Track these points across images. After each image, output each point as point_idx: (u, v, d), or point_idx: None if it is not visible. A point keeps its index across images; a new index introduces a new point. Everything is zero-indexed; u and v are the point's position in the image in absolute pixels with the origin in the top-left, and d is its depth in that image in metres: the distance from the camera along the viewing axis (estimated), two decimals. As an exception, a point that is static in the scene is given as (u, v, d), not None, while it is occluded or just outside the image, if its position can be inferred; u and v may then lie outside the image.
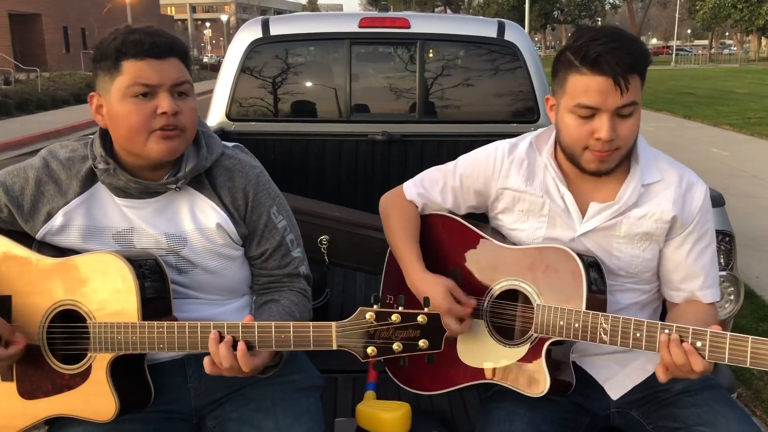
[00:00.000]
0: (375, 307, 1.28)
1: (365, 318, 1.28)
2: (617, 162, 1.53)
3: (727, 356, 1.32)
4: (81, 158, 1.51)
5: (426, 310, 1.27)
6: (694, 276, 1.60)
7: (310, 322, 1.33)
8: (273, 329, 1.35)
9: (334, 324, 1.31)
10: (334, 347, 1.31)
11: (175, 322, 1.39)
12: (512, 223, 1.67)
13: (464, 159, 1.75)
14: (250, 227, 1.56)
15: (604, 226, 1.58)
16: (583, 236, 1.60)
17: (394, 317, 1.26)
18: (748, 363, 1.30)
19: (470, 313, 1.59)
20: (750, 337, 1.29)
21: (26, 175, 1.50)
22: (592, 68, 1.43)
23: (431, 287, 1.60)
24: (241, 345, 1.34)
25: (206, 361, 1.37)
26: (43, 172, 1.50)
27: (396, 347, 1.26)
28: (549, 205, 1.61)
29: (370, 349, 1.28)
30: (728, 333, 1.32)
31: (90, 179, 1.50)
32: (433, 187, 1.75)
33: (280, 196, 1.62)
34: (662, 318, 1.74)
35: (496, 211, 1.71)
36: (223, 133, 3.17)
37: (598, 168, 1.53)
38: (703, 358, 1.34)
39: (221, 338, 1.36)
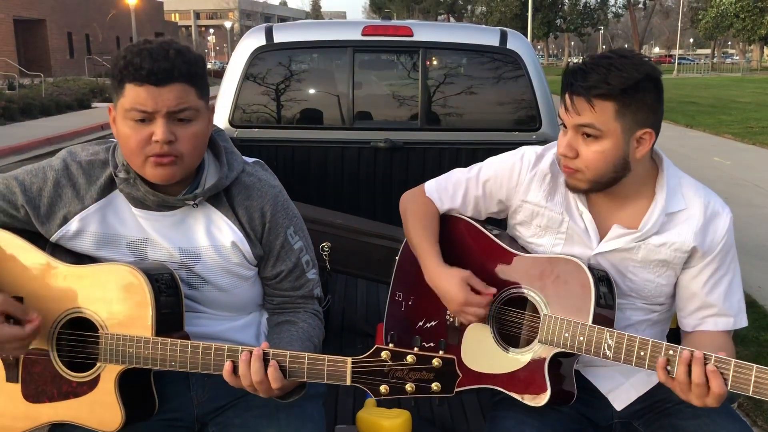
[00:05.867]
0: (391, 345, 1.28)
1: (381, 356, 1.27)
2: (589, 185, 1.52)
3: (730, 383, 1.31)
4: (101, 163, 1.50)
5: (441, 353, 1.26)
6: (707, 306, 1.57)
7: (326, 356, 1.32)
8: (288, 358, 1.33)
9: (349, 359, 1.30)
10: (348, 383, 1.30)
11: (189, 342, 1.39)
12: (529, 237, 1.66)
13: (488, 166, 1.72)
14: (266, 248, 1.55)
15: (621, 248, 1.57)
16: (599, 255, 1.59)
17: (410, 358, 1.26)
18: (751, 392, 1.28)
19: (490, 302, 1.58)
20: (755, 365, 1.28)
21: (45, 176, 1.49)
22: (561, 89, 1.50)
23: (446, 280, 1.59)
24: (273, 362, 1.33)
25: (227, 369, 1.36)
26: (62, 175, 1.48)
27: (409, 388, 1.26)
28: (568, 223, 1.60)
29: (383, 388, 1.27)
30: (732, 360, 1.31)
31: (109, 186, 1.49)
32: (456, 193, 1.74)
33: (298, 216, 1.60)
34: (671, 332, 1.74)
35: (515, 222, 1.71)
36: None
37: (567, 182, 1.55)
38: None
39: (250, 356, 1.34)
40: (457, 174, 1.76)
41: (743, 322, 1.59)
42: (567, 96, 1.47)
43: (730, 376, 1.30)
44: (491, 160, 1.73)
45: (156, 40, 1.41)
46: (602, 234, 1.59)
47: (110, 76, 1.42)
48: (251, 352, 1.35)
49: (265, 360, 1.34)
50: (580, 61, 1.50)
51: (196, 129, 1.42)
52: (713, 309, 1.57)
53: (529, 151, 1.68)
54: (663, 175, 1.56)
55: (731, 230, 1.57)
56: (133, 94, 1.36)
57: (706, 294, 1.57)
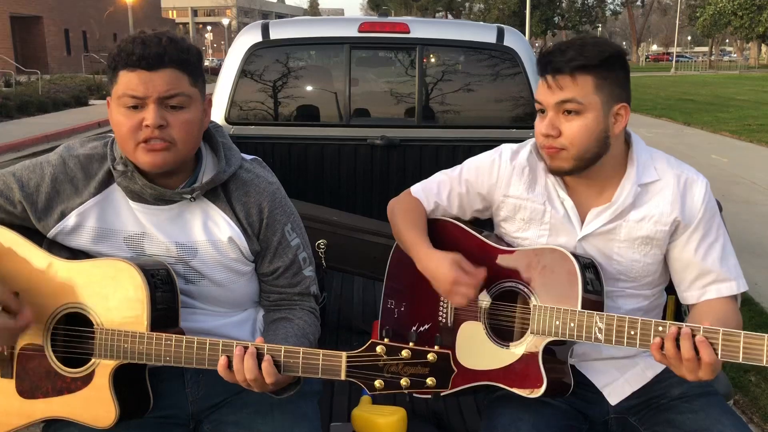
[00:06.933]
0: (386, 340, 1.28)
1: (376, 351, 1.28)
2: (573, 164, 1.54)
3: (720, 352, 1.32)
4: (100, 158, 1.50)
5: (436, 348, 1.26)
6: (705, 273, 1.58)
7: (320, 350, 1.32)
8: (282, 353, 1.34)
9: (344, 354, 1.30)
10: (343, 378, 1.30)
11: (184, 337, 1.39)
12: (514, 232, 1.68)
13: (469, 165, 1.75)
14: (263, 244, 1.55)
15: (603, 230, 1.59)
16: (583, 241, 1.60)
17: (405, 353, 1.26)
18: (741, 358, 1.31)
19: (480, 283, 1.58)
20: (742, 332, 1.31)
21: (43, 171, 1.49)
22: (538, 70, 1.56)
23: (436, 262, 1.60)
24: (267, 357, 1.33)
25: (222, 364, 1.36)
26: (60, 171, 1.49)
27: (404, 383, 1.26)
28: (550, 213, 1.62)
29: (377, 383, 1.27)
30: (720, 328, 1.33)
31: (106, 180, 1.49)
32: (441, 191, 1.76)
33: (295, 214, 1.60)
34: None
35: (499, 219, 1.72)
36: None
37: (550, 165, 1.57)
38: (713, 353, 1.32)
39: (245, 351, 1.34)
40: (440, 175, 1.79)
41: (744, 285, 1.60)
42: (548, 75, 1.51)
43: (719, 344, 1.32)
44: (471, 160, 1.76)
45: (147, 31, 1.43)
46: (583, 221, 1.61)
47: (106, 67, 1.44)
48: (245, 348, 1.35)
49: (260, 355, 1.34)
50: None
51: (189, 116, 1.42)
52: (712, 275, 1.58)
53: (506, 148, 1.71)
54: (632, 150, 1.60)
55: (710, 195, 1.60)
56: (125, 80, 1.38)
57: (700, 260, 1.58)
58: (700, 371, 1.35)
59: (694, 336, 1.34)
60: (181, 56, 1.40)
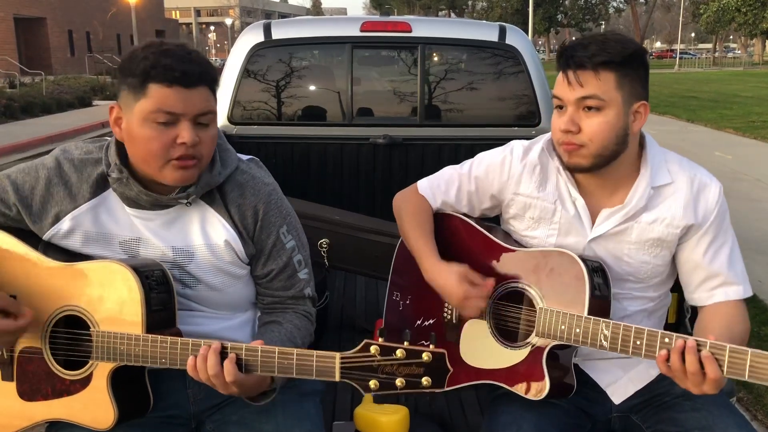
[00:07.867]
0: (380, 340, 1.27)
1: (370, 351, 1.26)
2: (592, 161, 1.52)
3: (725, 369, 1.30)
4: (95, 162, 1.49)
5: (431, 347, 1.25)
6: (713, 276, 1.57)
7: (314, 351, 1.31)
8: (276, 354, 1.33)
9: (337, 355, 1.29)
10: (337, 379, 1.29)
11: (179, 339, 1.38)
12: (523, 230, 1.67)
13: (479, 161, 1.73)
14: (257, 246, 1.54)
15: (614, 231, 1.58)
16: (593, 242, 1.59)
17: (399, 353, 1.25)
18: (747, 377, 1.28)
19: (489, 293, 1.58)
20: (749, 350, 1.28)
21: (37, 174, 1.49)
22: (559, 65, 1.52)
23: (445, 276, 1.59)
24: (230, 355, 1.33)
25: (190, 364, 1.35)
26: (55, 173, 1.48)
27: (399, 383, 1.25)
28: (560, 212, 1.61)
29: (372, 383, 1.26)
30: (728, 345, 1.30)
31: (101, 185, 1.49)
32: (449, 190, 1.74)
33: (292, 215, 1.59)
34: (669, 327, 1.74)
35: (508, 216, 1.71)
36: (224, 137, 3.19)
37: (568, 162, 1.55)
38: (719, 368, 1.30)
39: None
40: (449, 171, 1.76)
41: (749, 291, 1.59)
42: (570, 70, 1.49)
43: (726, 361, 1.30)
44: (482, 156, 1.73)
45: (167, 42, 1.41)
46: (594, 221, 1.60)
47: (127, 76, 1.38)
48: (210, 345, 1.34)
49: (224, 354, 1.33)
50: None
51: (214, 131, 1.45)
52: (719, 278, 1.57)
53: (517, 145, 1.69)
54: (646, 151, 1.58)
55: (722, 199, 1.58)
56: (160, 95, 1.35)
57: (708, 263, 1.57)
58: (704, 385, 1.33)
59: (699, 351, 1.32)
60: (212, 74, 1.41)
